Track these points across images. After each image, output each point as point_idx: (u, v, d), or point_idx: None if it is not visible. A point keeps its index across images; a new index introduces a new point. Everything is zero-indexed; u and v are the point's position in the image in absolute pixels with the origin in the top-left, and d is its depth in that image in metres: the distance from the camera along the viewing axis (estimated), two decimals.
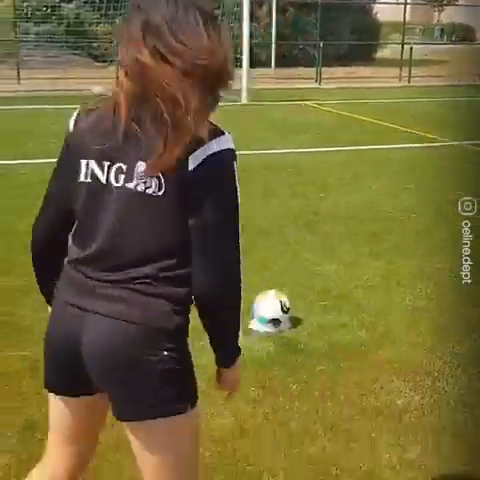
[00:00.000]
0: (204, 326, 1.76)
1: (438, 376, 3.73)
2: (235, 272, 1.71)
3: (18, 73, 18.11)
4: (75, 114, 1.81)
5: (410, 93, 18.26)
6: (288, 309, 4.29)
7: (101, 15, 23.27)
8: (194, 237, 1.67)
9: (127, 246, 1.70)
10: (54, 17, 22.89)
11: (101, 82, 18.02)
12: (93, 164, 1.71)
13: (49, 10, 22.71)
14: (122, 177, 1.69)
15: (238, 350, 1.83)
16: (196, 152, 1.64)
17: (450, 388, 3.61)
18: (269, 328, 4.24)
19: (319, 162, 9.36)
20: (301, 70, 21.74)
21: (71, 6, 23.51)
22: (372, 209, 7.04)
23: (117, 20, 22.72)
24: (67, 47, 23.06)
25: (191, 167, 1.64)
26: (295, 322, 4.36)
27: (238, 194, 1.70)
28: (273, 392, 3.54)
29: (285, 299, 4.31)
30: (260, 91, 16.67)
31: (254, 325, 4.28)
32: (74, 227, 1.82)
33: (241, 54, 15.52)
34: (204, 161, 1.65)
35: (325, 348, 4.05)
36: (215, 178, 1.67)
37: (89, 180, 1.73)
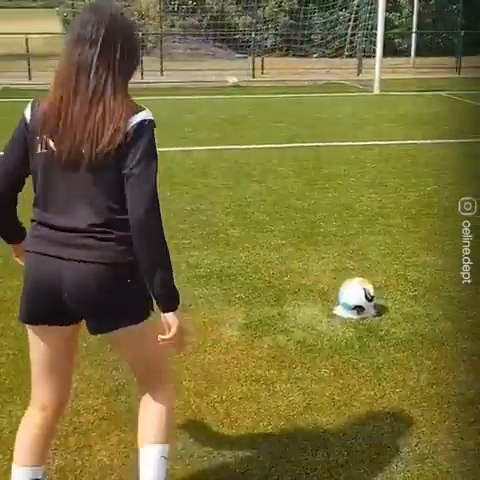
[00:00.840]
0: (142, 269, 2.18)
1: None
2: (153, 203, 2.14)
3: (161, 65, 19.00)
4: (30, 103, 2.25)
5: None
6: (372, 297, 4.36)
7: (243, 8, 23.82)
8: (127, 182, 2.13)
9: (82, 205, 2.17)
10: (199, 10, 23.71)
11: (238, 73, 18.63)
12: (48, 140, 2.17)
13: (194, 3, 23.56)
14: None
15: (174, 292, 2.21)
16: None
17: None
18: (353, 314, 4.34)
19: (438, 153, 9.21)
20: (442, 59, 21.06)
21: None
22: None
23: (258, 12, 23.22)
24: (210, 39, 23.79)
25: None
26: (381, 310, 4.43)
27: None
28: (343, 374, 3.66)
29: (369, 287, 4.38)
30: (393, 81, 16.40)
31: (338, 311, 4.40)
32: (36, 193, 2.26)
33: (372, 44, 15.34)
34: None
35: (406, 336, 4.09)
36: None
37: (44, 150, 2.18)
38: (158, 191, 2.18)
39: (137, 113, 2.15)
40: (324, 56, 22.59)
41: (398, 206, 6.84)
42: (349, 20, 22.49)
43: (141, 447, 2.45)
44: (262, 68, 20.08)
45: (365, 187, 7.55)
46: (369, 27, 18.56)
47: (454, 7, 23.33)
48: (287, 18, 23.86)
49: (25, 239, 2.34)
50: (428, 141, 10.08)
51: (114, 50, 2.14)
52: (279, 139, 10.14)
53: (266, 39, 23.47)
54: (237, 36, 23.26)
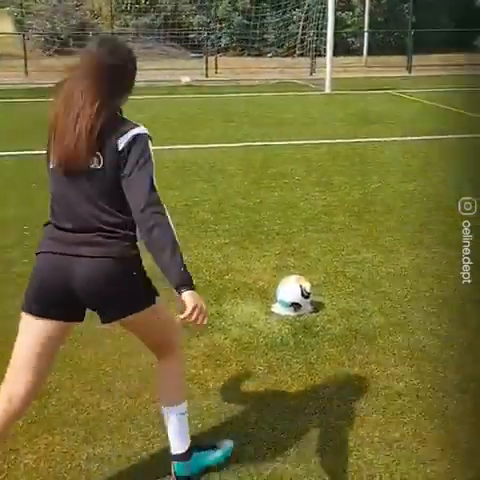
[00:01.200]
0: (157, 257, 2.41)
1: (441, 363, 3.77)
2: (154, 197, 2.43)
3: None
4: None
5: None
6: (309, 294, 4.42)
7: (197, 7, 23.78)
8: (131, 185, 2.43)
9: (90, 210, 2.45)
10: (152, 10, 23.59)
11: (192, 72, 18.62)
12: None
13: (147, 2, 23.44)
14: None
15: (186, 270, 2.39)
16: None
17: (451, 374, 3.65)
18: (290, 312, 4.39)
19: (383, 151, 9.37)
20: (393, 59, 21.36)
21: None
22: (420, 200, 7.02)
23: (212, 11, 23.22)
24: (163, 39, 23.70)
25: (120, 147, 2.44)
26: (317, 306, 4.49)
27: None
28: (277, 371, 3.70)
29: (306, 284, 4.44)
30: (345, 80, 16.58)
31: (276, 308, 4.45)
32: (50, 202, 2.55)
33: (324, 44, 15.50)
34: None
35: (340, 332, 4.16)
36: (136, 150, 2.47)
37: (52, 165, 2.50)
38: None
39: (132, 128, 2.47)
40: (277, 55, 22.70)
41: (342, 204, 6.93)
42: (300, 19, 22.64)
43: (164, 407, 2.81)
44: (216, 67, 20.10)
45: (311, 186, 7.63)
46: (320, 26, 18.72)
47: (405, 6, 23.65)
48: (240, 17, 23.90)
49: (39, 243, 2.56)
50: (375, 139, 10.23)
51: (103, 78, 2.48)
52: (229, 138, 10.18)
53: (220, 38, 23.50)
54: (191, 35, 23.23)
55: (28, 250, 5.27)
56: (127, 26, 23.40)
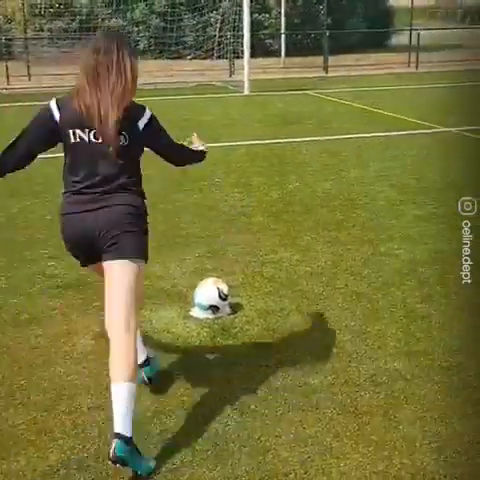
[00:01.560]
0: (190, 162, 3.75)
1: (355, 357, 3.87)
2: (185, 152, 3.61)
3: (28, 70, 18.46)
4: (54, 102, 3.12)
5: (416, 79, 18.21)
6: (226, 296, 4.44)
7: (113, 10, 23.52)
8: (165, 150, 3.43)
9: (110, 174, 3.11)
10: (67, 14, 23.17)
11: None
12: (79, 131, 3.10)
13: (61, 6, 23.01)
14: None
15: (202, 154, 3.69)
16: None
17: (363, 368, 3.75)
18: (208, 314, 4.40)
19: (301, 152, 9.51)
20: (310, 59, 21.72)
21: (84, 1, 23.83)
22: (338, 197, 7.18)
23: (128, 14, 23.03)
24: (81, 43, 23.31)
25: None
26: (236, 308, 4.52)
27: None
28: (195, 375, 3.71)
29: (223, 286, 4.46)
30: (264, 81, 16.75)
31: (194, 312, 4.46)
32: (69, 166, 3.16)
33: (242, 46, 15.60)
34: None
35: (258, 332, 4.20)
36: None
37: (78, 140, 3.10)
38: None
39: (145, 110, 3.21)
40: (196, 58, 22.71)
41: (260, 205, 7.00)
42: (217, 22, 22.73)
43: (113, 383, 2.94)
44: None
45: (230, 187, 7.68)
46: (237, 29, 18.83)
47: (321, 7, 24.07)
48: (158, 20, 23.78)
49: (62, 206, 3.20)
50: (294, 140, 10.37)
51: (124, 67, 3.09)
52: None
53: (138, 42, 23.33)
54: None
55: None
56: (42, 31, 22.92)
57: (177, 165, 3.71)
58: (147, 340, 4.08)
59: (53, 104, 3.13)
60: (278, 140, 10.32)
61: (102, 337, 4.11)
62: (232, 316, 4.43)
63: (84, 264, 3.38)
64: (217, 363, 3.84)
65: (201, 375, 3.71)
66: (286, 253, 5.58)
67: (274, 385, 3.60)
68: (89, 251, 3.18)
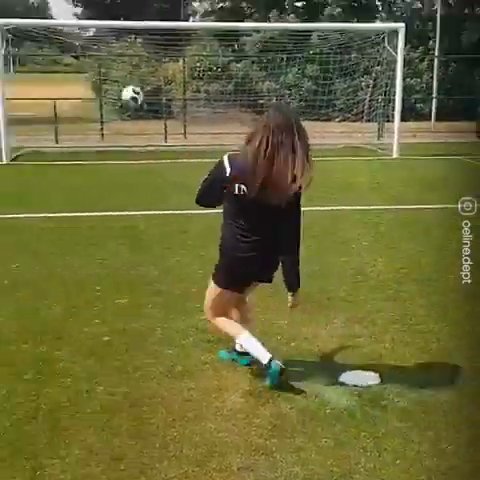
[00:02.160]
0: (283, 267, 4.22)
1: None
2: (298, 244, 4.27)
3: (184, 128, 19.47)
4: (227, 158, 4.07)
5: None
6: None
7: (267, 74, 24.40)
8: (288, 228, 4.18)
9: (262, 228, 4.12)
10: (224, 76, 24.32)
11: None
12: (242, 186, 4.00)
13: (220, 70, 24.21)
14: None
15: (297, 284, 4.29)
16: None
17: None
18: (357, 383, 4.34)
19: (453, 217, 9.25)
20: (462, 124, 21.27)
21: (239, 65, 24.93)
22: None
23: (282, 78, 23.81)
24: (235, 104, 24.30)
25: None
26: (385, 378, 4.42)
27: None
28: (344, 445, 3.65)
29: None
30: (413, 145, 16.58)
31: (343, 378, 4.41)
32: (233, 215, 4.13)
33: (392, 109, 15.60)
34: None
35: (408, 406, 4.08)
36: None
37: (241, 193, 4.01)
38: None
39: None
40: (344, 120, 22.95)
41: (411, 272, 6.86)
42: (369, 86, 22.91)
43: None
44: None
45: (377, 251, 7.60)
46: (388, 93, 18.87)
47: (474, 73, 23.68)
48: (310, 83, 24.37)
49: (226, 246, 4.24)
50: (445, 205, 10.05)
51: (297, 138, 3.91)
52: None
53: (289, 104, 23.99)
54: (261, 101, 23.77)
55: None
56: (199, 92, 24.15)
57: (278, 246, 4.17)
58: (294, 403, 4.09)
59: None
60: (429, 205, 10.11)
61: (251, 395, 4.19)
62: (382, 386, 4.34)
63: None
64: (367, 434, 3.76)
65: (351, 445, 3.65)
66: (437, 324, 5.41)
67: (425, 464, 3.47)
68: None
